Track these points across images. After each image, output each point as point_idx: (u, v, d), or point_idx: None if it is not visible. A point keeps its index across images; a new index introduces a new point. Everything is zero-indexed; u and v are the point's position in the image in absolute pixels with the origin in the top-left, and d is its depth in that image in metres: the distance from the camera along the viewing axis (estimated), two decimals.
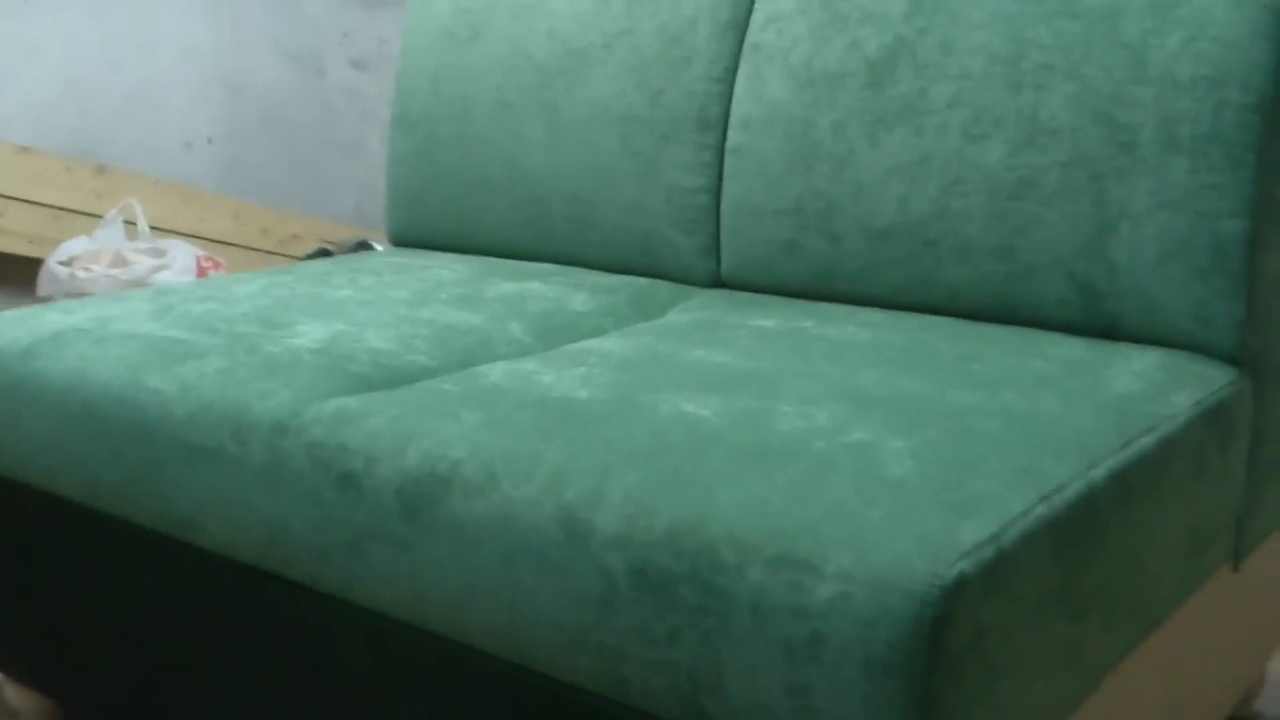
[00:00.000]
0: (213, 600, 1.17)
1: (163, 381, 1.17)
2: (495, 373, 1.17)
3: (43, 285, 2.73)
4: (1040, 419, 1.01)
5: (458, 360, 1.25)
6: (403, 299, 1.45)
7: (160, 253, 2.79)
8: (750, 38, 1.53)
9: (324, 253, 3.01)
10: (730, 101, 1.54)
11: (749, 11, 1.55)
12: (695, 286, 1.59)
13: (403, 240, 1.88)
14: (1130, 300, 1.25)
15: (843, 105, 1.43)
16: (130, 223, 2.93)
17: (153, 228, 3.01)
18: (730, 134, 1.53)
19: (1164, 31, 1.23)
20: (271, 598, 1.11)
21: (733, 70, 1.55)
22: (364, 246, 2.70)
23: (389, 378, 1.18)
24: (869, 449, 0.93)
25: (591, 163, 1.64)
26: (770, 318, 1.37)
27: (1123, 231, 1.25)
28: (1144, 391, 1.10)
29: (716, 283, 1.59)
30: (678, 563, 0.85)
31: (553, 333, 1.37)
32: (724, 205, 1.54)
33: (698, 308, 1.46)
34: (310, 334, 1.28)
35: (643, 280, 1.60)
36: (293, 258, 3.28)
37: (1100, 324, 1.28)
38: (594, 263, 1.67)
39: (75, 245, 2.80)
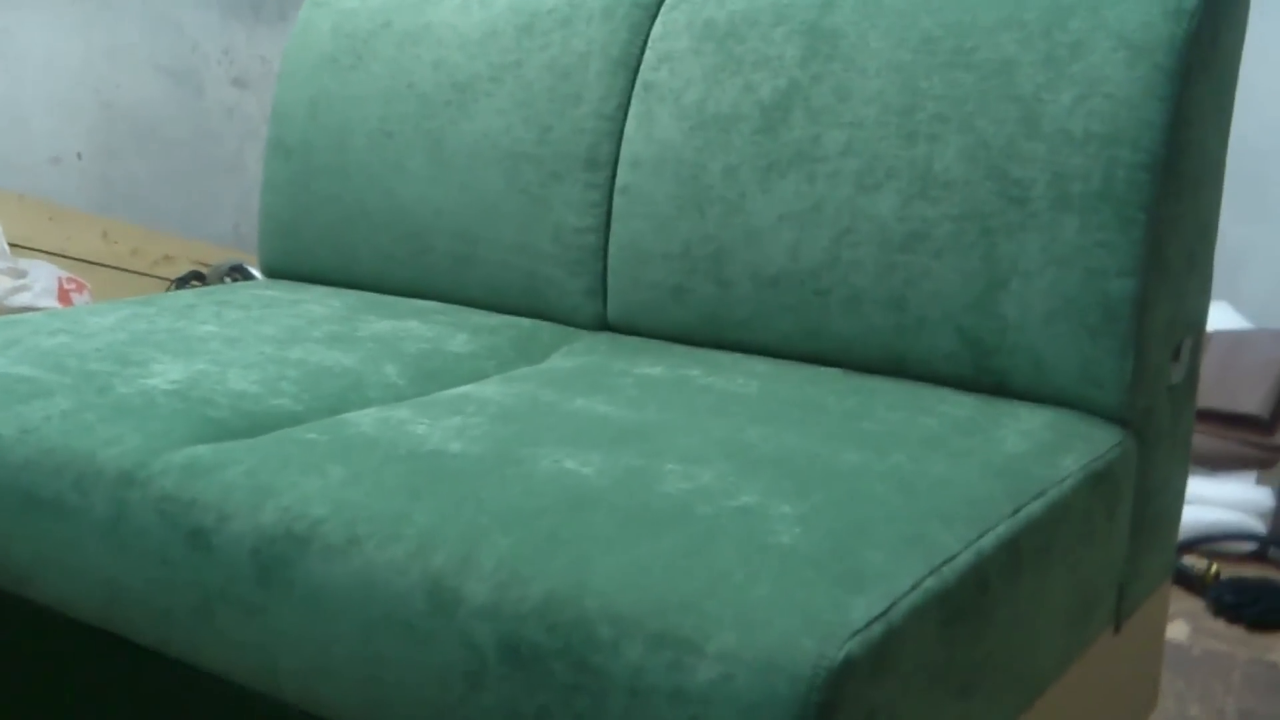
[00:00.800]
0: (50, 661, 1.08)
1: (1, 423, 1.09)
2: (365, 421, 1.10)
3: None
4: (929, 482, 0.98)
5: (326, 405, 1.19)
6: (271, 336, 1.37)
7: (20, 273, 2.65)
8: (642, 76, 1.49)
9: (196, 276, 2.90)
10: (620, 140, 1.50)
11: (642, 49, 1.51)
12: (581, 329, 1.54)
13: (276, 271, 1.80)
14: (1019, 357, 1.24)
15: (735, 149, 1.40)
16: None
17: (14, 245, 2.87)
18: (620, 174, 1.49)
19: (1058, 87, 1.22)
20: (113, 660, 1.02)
21: (624, 109, 1.51)
22: (239, 271, 2.60)
23: (250, 424, 1.11)
24: (756, 514, 0.89)
25: (476, 198, 1.58)
26: (656, 365, 1.32)
27: (1013, 287, 1.23)
28: (1032, 453, 1.07)
29: (603, 326, 1.54)
30: (551, 637, 0.79)
31: (429, 376, 1.31)
32: (612, 247, 1.50)
33: (583, 352, 1.41)
34: (167, 374, 1.20)
35: (526, 321, 1.55)
36: (164, 280, 3.16)
37: (989, 380, 1.26)
38: (476, 301, 1.61)
39: None
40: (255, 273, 2.52)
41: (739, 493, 0.93)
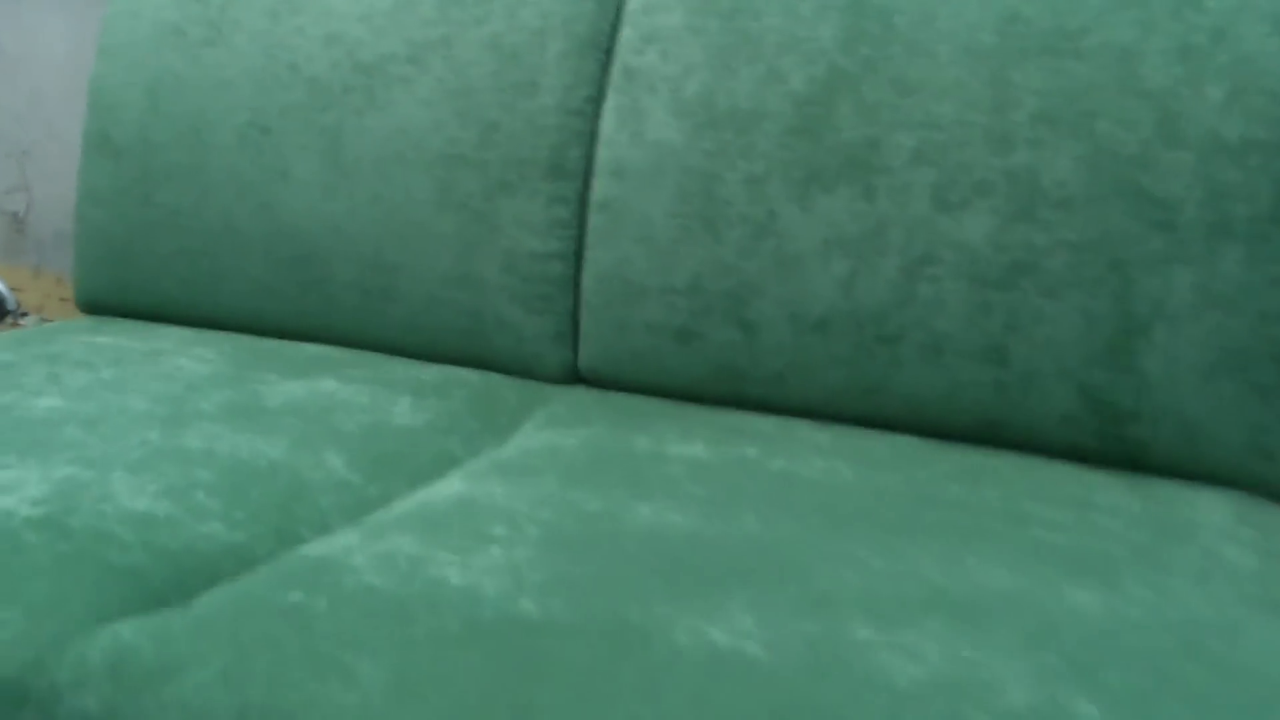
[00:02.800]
0: None
1: None
2: (355, 555, 0.75)
3: None
4: (1211, 637, 0.70)
5: (271, 528, 0.82)
6: (147, 413, 0.98)
7: None
8: (621, 60, 1.17)
9: None
10: (594, 142, 1.17)
11: (614, 25, 1.19)
12: (543, 382, 1.21)
13: (100, 306, 1.38)
14: (1163, 423, 0.98)
15: (760, 154, 1.09)
16: None
17: None
18: (597, 184, 1.16)
19: (1200, 80, 0.97)
20: None
21: (596, 101, 1.18)
22: None
23: (180, 573, 0.74)
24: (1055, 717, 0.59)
25: (394, 215, 1.22)
26: (691, 440, 1.01)
27: (1156, 335, 0.98)
28: (1271, 569, 0.82)
29: (572, 378, 1.21)
30: None
31: (387, 466, 0.95)
32: (587, 278, 1.17)
33: (570, 419, 1.08)
34: (23, 487, 0.80)
35: (472, 375, 1.20)
36: None
37: (1119, 451, 1.01)
38: (395, 346, 1.25)
39: None
40: (28, 316, 2.03)
41: (1000, 682, 0.63)
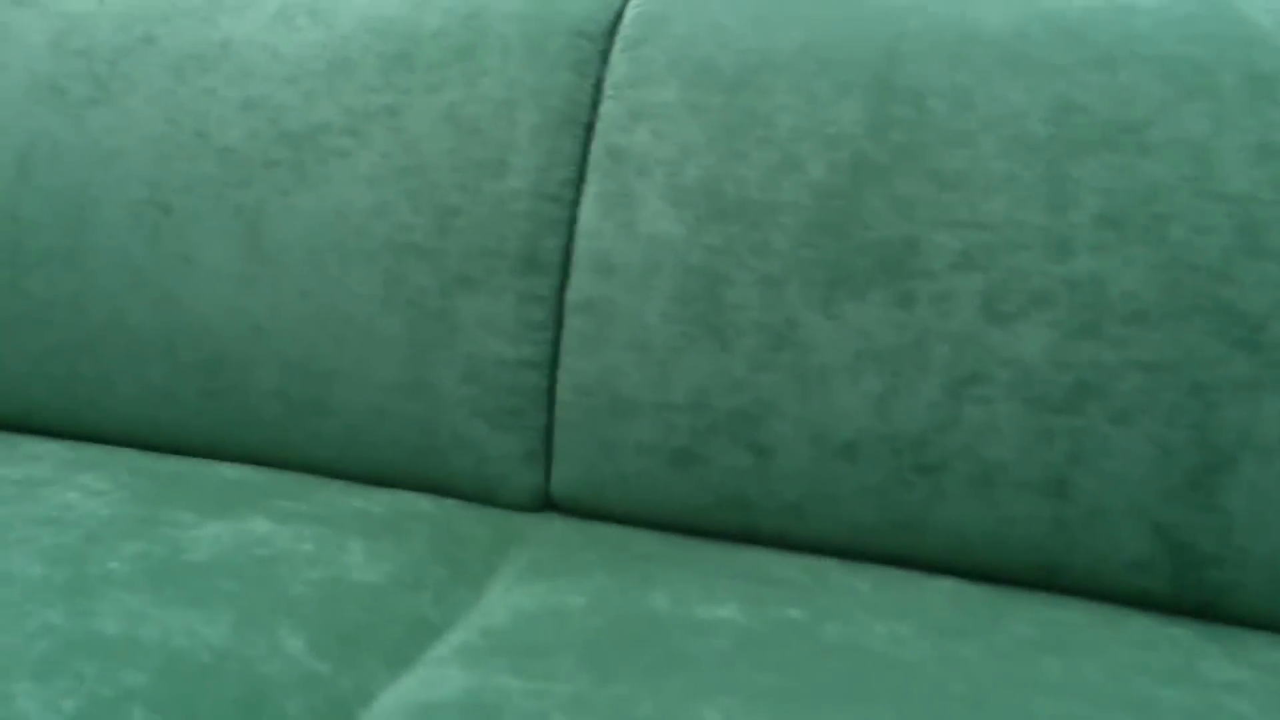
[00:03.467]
0: None
1: None
2: None
3: None
4: None
5: None
6: (42, 579, 0.78)
7: None
8: (604, 138, 1.01)
9: None
10: (573, 232, 1.01)
11: (594, 99, 1.03)
12: (508, 509, 1.03)
13: None
14: (1249, 568, 0.87)
15: (776, 253, 0.95)
16: None
17: None
18: (577, 281, 1.00)
19: None
20: None
21: (574, 184, 1.02)
22: None
23: None
24: None
25: (328, 313, 1.03)
26: (714, 596, 0.85)
27: (1241, 469, 0.87)
28: None
29: (541, 504, 1.04)
30: None
31: (356, 645, 0.77)
32: (563, 389, 1.00)
33: (557, 564, 0.91)
34: None
35: (426, 502, 1.01)
36: None
37: (1196, 599, 0.89)
38: (328, 467, 1.06)
39: None
40: None
41: None
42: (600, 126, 1.02)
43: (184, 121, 1.07)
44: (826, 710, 0.69)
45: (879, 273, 0.93)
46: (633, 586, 0.86)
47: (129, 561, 0.82)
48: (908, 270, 0.92)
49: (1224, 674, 0.78)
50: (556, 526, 1.00)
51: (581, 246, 1.00)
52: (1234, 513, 0.87)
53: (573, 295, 1.00)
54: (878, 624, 0.82)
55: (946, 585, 0.91)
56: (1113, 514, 0.89)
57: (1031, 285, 0.90)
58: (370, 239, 1.03)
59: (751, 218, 0.96)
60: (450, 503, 1.02)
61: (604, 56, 1.04)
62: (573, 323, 1.00)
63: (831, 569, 0.92)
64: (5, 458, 1.03)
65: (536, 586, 0.87)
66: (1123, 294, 0.88)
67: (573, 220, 1.01)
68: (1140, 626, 0.86)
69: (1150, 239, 0.89)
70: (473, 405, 1.01)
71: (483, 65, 1.03)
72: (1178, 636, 0.85)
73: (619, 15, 1.06)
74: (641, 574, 0.89)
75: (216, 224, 1.06)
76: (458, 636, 0.78)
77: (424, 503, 1.01)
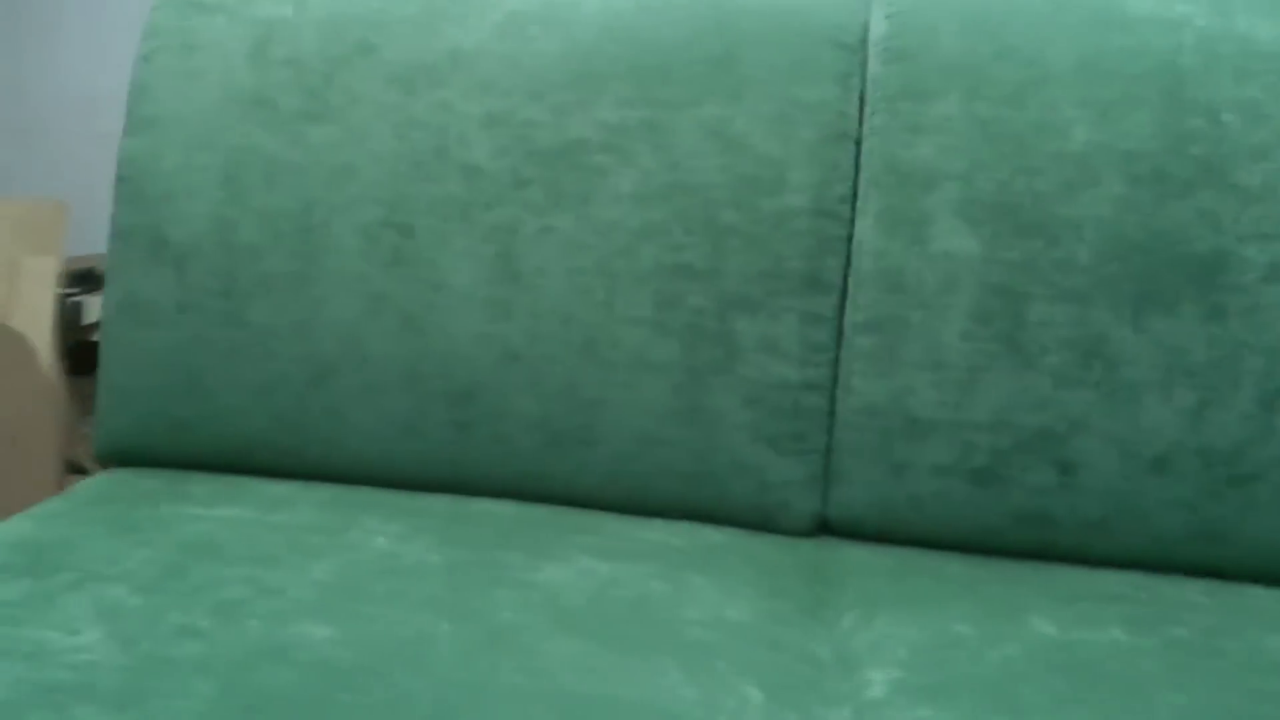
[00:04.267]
0: None
1: None
2: None
3: None
4: None
5: None
6: (450, 634, 0.73)
7: None
8: (882, 153, 0.99)
9: None
10: (851, 249, 0.99)
11: (859, 110, 1.01)
12: (786, 535, 1.01)
13: (135, 455, 1.06)
14: None
15: (1081, 269, 0.94)
16: None
17: None
18: (861, 299, 0.98)
19: None
20: None
21: (850, 200, 1.00)
22: None
23: None
24: None
25: (595, 337, 0.99)
26: (1099, 623, 0.84)
27: None
28: None
29: (817, 529, 1.02)
30: None
31: (800, 693, 0.74)
32: (847, 411, 0.99)
33: (900, 592, 0.89)
34: None
35: (710, 532, 0.98)
36: None
37: None
38: (586, 497, 1.02)
39: None
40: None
41: None
42: (874, 141, 1.00)
43: (418, 138, 1.02)
44: None
45: (1189, 286, 0.94)
46: (998, 610, 0.85)
47: (520, 610, 0.78)
48: (1218, 284, 0.93)
49: None
50: (856, 551, 0.98)
51: (866, 265, 0.98)
52: None
53: (858, 315, 0.98)
54: (1268, 637, 0.82)
55: (1261, 593, 0.93)
56: None
57: None
58: (639, 260, 0.99)
59: (1051, 233, 0.95)
60: (735, 531, 1.00)
61: (862, 67, 1.02)
62: (859, 343, 0.98)
63: (1158, 583, 0.93)
64: (249, 501, 0.96)
65: (900, 614, 0.85)
66: None
67: (850, 238, 0.99)
68: None
69: None
70: (754, 430, 0.99)
71: (744, 77, 1.00)
72: None
73: (866, 24, 1.04)
74: (993, 598, 0.88)
75: (464, 246, 1.00)
76: (879, 674, 0.76)
77: (712, 533, 0.98)
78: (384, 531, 0.90)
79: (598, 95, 1.01)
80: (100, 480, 1.02)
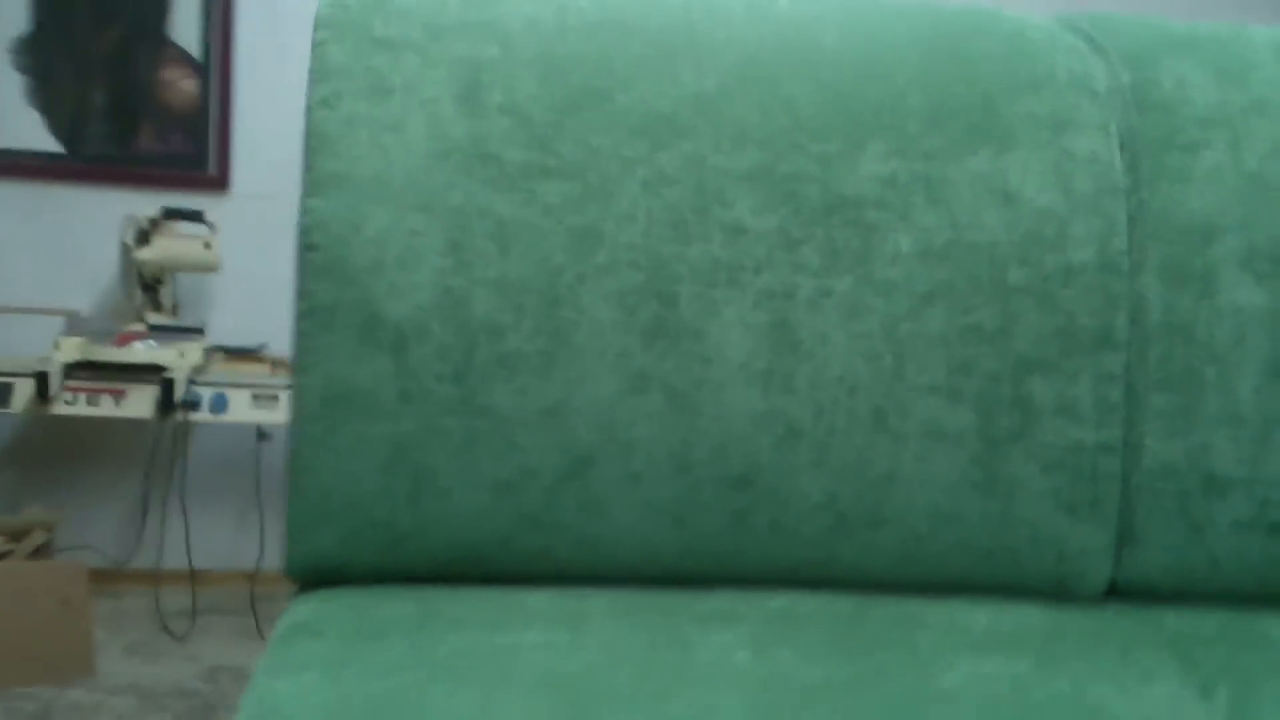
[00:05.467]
0: None
1: None
2: None
3: None
4: None
5: None
6: None
7: None
8: (1154, 204, 0.96)
9: None
10: (1135, 304, 0.96)
11: (1123, 158, 0.98)
12: (1081, 603, 0.96)
13: (337, 573, 0.90)
14: None
15: None
16: None
17: None
18: (1151, 356, 0.94)
19: None
20: None
21: (1126, 252, 0.96)
22: None
23: None
24: None
25: (884, 408, 0.91)
26: None
27: None
28: None
29: (1104, 593, 0.98)
30: None
31: None
32: (1144, 471, 0.95)
33: (1258, 666, 0.86)
34: None
35: (1028, 610, 0.92)
36: None
37: None
38: (872, 580, 0.93)
39: None
40: None
41: None
42: (1144, 193, 0.96)
43: (672, 195, 0.91)
44: None
45: None
46: None
47: None
48: None
49: None
50: (1172, 617, 0.94)
51: (1154, 320, 0.95)
52: None
53: (1150, 372, 0.95)
54: None
55: None
56: None
57: None
58: (927, 323, 0.92)
59: None
60: (1043, 606, 0.94)
61: (1117, 117, 0.99)
62: (1153, 401, 0.94)
63: None
64: (551, 623, 0.83)
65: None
66: None
67: (1133, 293, 0.96)
68: None
69: None
70: (1054, 497, 0.93)
71: (1008, 126, 0.95)
72: None
73: (1107, 71, 1.01)
74: None
75: (734, 314, 0.90)
76: None
77: (1031, 612, 0.92)
78: (726, 643, 0.79)
79: (863, 148, 0.93)
80: (324, 606, 0.85)
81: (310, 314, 0.89)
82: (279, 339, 2.74)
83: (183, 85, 2.97)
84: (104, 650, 2.45)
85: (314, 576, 0.91)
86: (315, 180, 0.90)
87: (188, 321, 2.81)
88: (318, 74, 0.92)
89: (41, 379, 2.42)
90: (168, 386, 2.48)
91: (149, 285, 2.73)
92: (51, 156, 2.92)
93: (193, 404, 2.51)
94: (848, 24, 0.97)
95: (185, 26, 2.96)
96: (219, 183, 3.00)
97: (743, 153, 0.92)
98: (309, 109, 0.91)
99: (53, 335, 2.68)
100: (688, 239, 0.91)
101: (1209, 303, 0.94)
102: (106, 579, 2.89)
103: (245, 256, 2.88)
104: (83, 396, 2.47)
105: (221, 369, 2.70)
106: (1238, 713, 0.81)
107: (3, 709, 2.12)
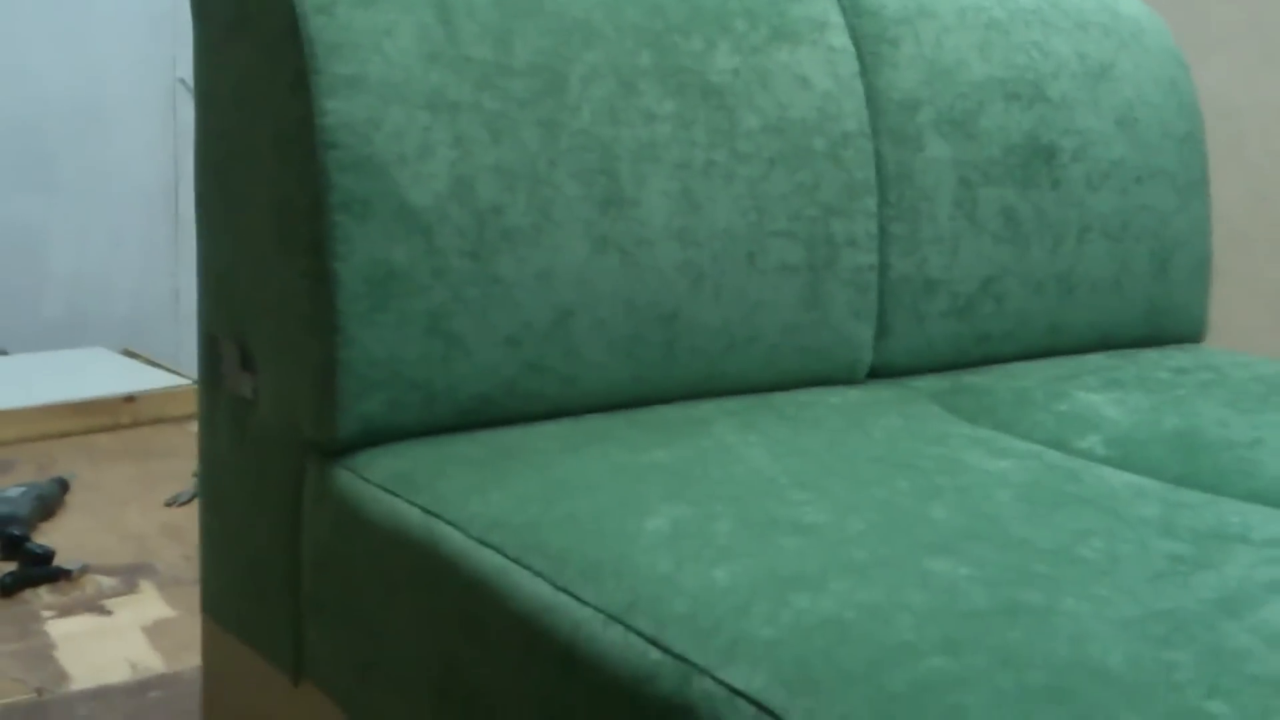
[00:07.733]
0: None
1: None
2: None
3: None
4: None
5: None
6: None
7: None
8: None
9: None
10: (878, 161, 1.32)
11: None
12: (862, 386, 1.32)
13: (386, 434, 1.02)
14: None
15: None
16: None
17: None
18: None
19: None
20: None
21: (869, 122, 1.31)
22: None
23: None
24: None
25: (753, 250, 1.20)
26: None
27: None
28: None
29: (869, 374, 1.35)
30: None
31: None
32: (887, 280, 1.33)
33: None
34: None
35: (849, 393, 1.26)
36: None
37: None
38: (734, 383, 1.22)
39: None
40: None
41: None
42: (870, 76, 1.32)
43: (602, 88, 1.10)
44: None
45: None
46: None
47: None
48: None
49: None
50: (919, 384, 1.33)
51: (889, 171, 1.32)
52: None
53: (890, 210, 1.32)
54: None
55: None
56: None
57: None
58: (774, 184, 1.21)
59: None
60: (846, 387, 1.28)
61: (844, 19, 1.33)
62: (893, 230, 1.32)
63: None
64: (582, 445, 1.02)
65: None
66: None
67: (877, 152, 1.32)
68: None
69: None
70: (849, 308, 1.28)
71: (797, 30, 1.26)
72: None
73: None
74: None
75: (657, 184, 1.13)
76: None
77: (848, 392, 1.26)
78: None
79: (715, 44, 1.18)
80: (399, 460, 0.97)
81: (344, 206, 0.98)
82: None
83: None
84: None
85: (369, 440, 1.01)
86: (327, 83, 0.97)
87: None
88: None
89: None
90: None
91: None
92: None
93: None
94: None
95: None
96: None
97: (641, 51, 1.13)
98: (306, 16, 0.97)
99: None
100: (618, 123, 1.11)
101: (919, 155, 1.33)
102: None
103: None
104: None
105: None
106: (992, 430, 1.22)
107: None
